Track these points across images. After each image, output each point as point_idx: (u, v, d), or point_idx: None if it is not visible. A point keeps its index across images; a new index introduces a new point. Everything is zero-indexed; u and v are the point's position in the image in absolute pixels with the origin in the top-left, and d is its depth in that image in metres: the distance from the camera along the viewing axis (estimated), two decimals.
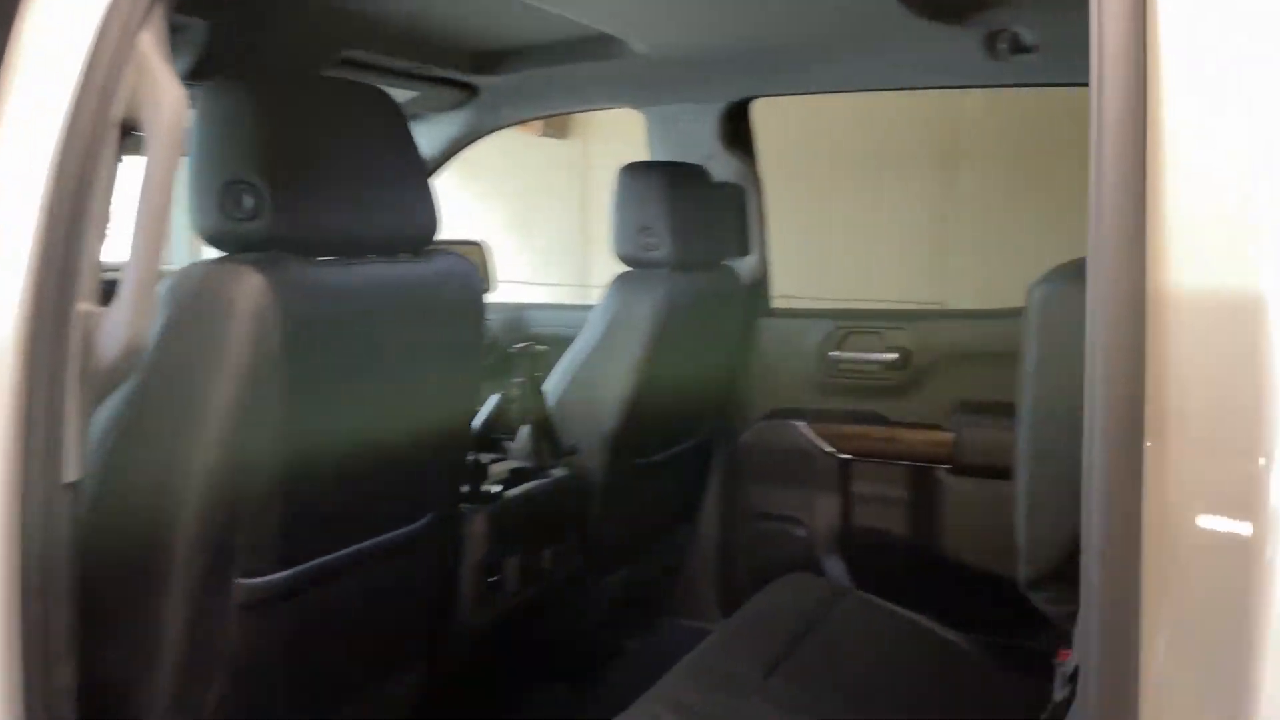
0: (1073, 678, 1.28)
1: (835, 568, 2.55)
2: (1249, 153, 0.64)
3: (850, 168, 3.82)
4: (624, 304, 2.17)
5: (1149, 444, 0.60)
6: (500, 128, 2.76)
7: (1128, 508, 0.60)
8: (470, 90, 2.56)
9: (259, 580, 1.33)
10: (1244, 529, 0.59)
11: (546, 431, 1.96)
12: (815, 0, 1.84)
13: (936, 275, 3.67)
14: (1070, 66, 2.16)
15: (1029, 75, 2.20)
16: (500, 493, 1.87)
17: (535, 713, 2.22)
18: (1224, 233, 0.64)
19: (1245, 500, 0.59)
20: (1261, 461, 0.59)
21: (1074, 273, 2.06)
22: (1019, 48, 2.04)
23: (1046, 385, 1.92)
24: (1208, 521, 0.59)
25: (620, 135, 4.43)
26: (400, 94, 2.47)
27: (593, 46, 2.24)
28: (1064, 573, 1.88)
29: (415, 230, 1.47)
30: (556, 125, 4.51)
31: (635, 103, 2.59)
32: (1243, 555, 0.60)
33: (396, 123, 1.46)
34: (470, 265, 1.57)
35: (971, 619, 2.07)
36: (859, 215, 3.80)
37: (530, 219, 4.69)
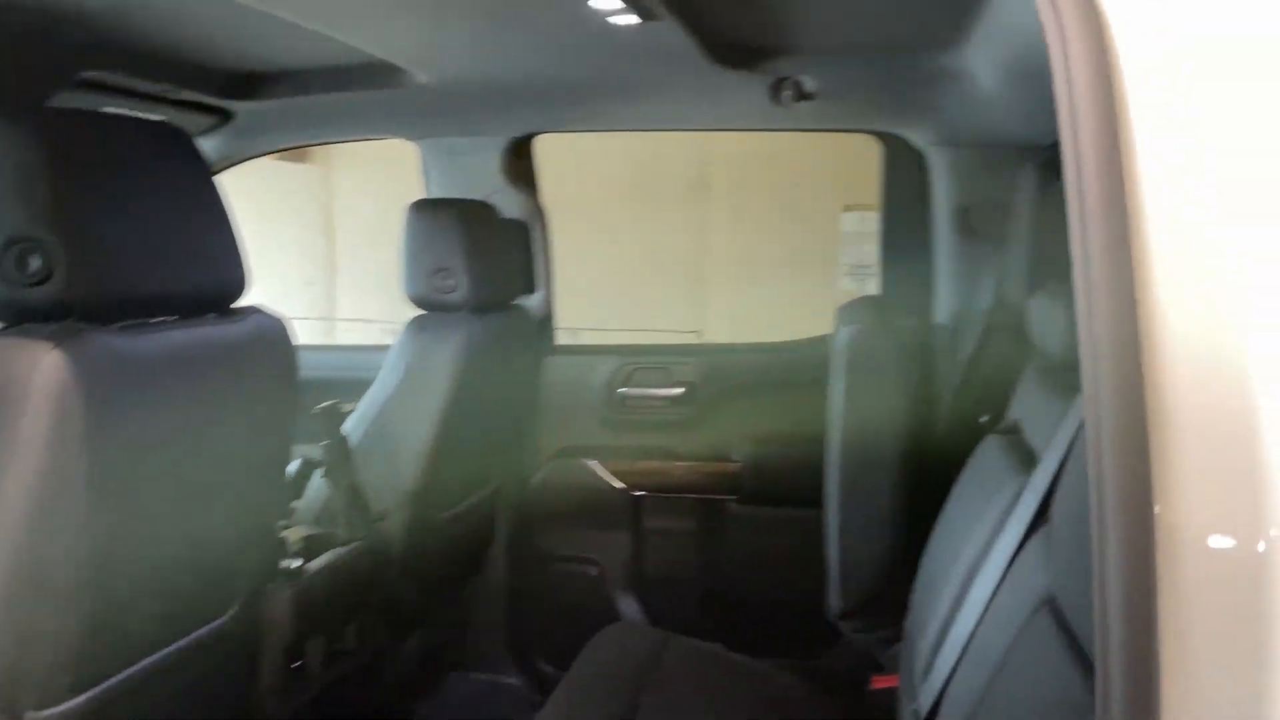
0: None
1: (629, 607, 2.54)
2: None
3: (612, 200, 3.86)
4: (422, 350, 2.04)
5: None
6: (257, 155, 2.53)
7: (1142, 524, 0.62)
8: (223, 115, 2.33)
9: (50, 712, 1.11)
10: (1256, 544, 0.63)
11: (356, 497, 1.80)
12: (605, 39, 1.82)
13: (696, 304, 3.78)
14: (843, 112, 2.28)
15: (807, 121, 2.30)
16: (301, 567, 1.70)
17: None
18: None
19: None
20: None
21: (871, 312, 2.19)
22: (801, 95, 2.12)
23: (854, 421, 2.02)
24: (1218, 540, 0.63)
25: (364, 161, 4.23)
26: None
27: (369, 74, 2.10)
28: (874, 602, 1.98)
29: (223, 286, 1.30)
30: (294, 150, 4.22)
31: (412, 134, 2.47)
32: (1255, 569, 0.63)
33: (196, 166, 1.28)
34: (281, 323, 1.41)
35: (771, 646, 2.12)
36: (622, 247, 3.84)
37: (266, 247, 4.35)
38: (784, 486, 2.42)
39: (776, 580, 2.42)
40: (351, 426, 2.02)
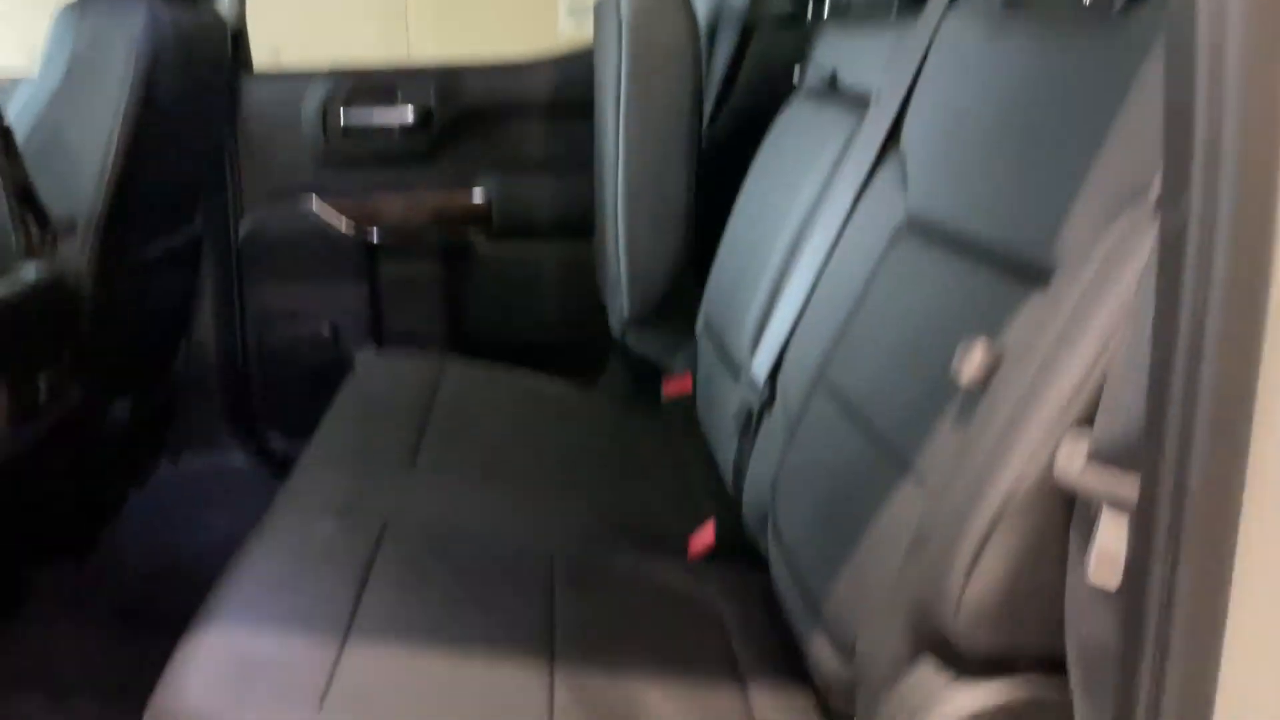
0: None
1: None
2: None
3: None
4: (92, 37, 1.59)
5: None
6: None
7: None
8: None
9: None
10: None
11: (29, 200, 1.38)
12: None
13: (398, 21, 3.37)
14: None
15: None
16: None
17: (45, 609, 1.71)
18: None
19: None
20: None
21: None
22: None
23: (636, 111, 1.82)
24: None
25: None
26: None
27: None
28: (664, 306, 1.85)
29: None
30: None
31: None
32: None
33: None
34: None
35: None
36: None
37: None
38: (540, 216, 2.22)
39: (537, 317, 2.25)
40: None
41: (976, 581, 0.68)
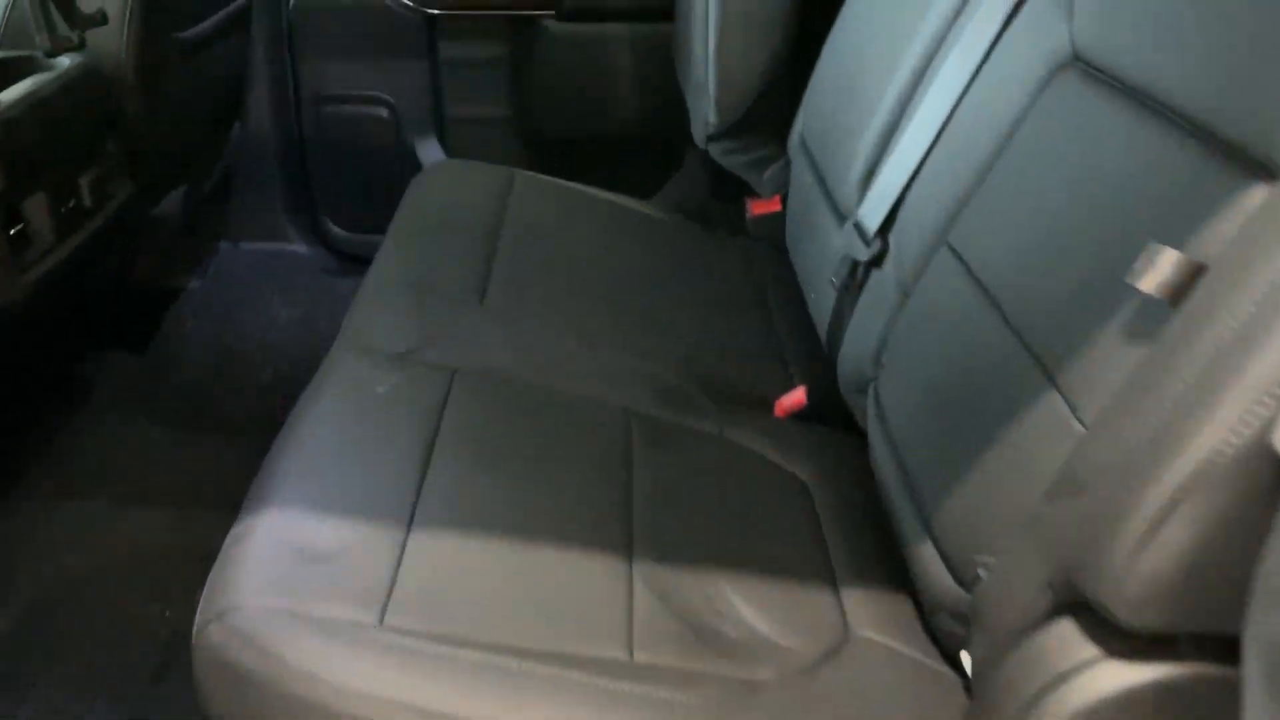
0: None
1: (432, 154, 2.14)
2: None
3: None
4: None
5: None
6: None
7: None
8: None
9: None
10: None
11: None
12: None
13: None
14: None
15: None
16: None
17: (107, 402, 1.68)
18: None
19: None
20: None
21: None
22: None
23: None
24: None
25: None
26: None
27: None
28: (753, 116, 1.68)
29: None
30: None
31: None
32: None
33: None
34: None
35: (616, 187, 1.81)
36: None
37: None
38: None
39: (610, 112, 2.07)
40: None
41: (1152, 554, 0.57)
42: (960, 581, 0.79)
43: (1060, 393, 0.73)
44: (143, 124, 1.52)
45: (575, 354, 1.16)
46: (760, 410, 1.15)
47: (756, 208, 1.57)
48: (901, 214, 1.06)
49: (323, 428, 0.97)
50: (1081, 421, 0.70)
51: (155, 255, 1.75)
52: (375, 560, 0.81)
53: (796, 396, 1.14)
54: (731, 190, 1.68)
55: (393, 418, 0.99)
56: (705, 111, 1.57)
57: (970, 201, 0.96)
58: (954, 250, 0.95)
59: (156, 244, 1.76)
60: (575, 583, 0.85)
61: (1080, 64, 0.88)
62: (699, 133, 1.63)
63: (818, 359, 1.20)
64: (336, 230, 2.21)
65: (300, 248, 2.23)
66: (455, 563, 0.83)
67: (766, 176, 1.59)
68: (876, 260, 1.07)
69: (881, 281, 1.06)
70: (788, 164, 1.52)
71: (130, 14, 1.45)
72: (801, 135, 1.44)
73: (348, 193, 2.18)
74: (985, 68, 1.00)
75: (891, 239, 1.07)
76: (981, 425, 0.79)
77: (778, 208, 1.55)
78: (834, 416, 1.13)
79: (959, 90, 1.01)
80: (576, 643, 0.79)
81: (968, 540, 0.79)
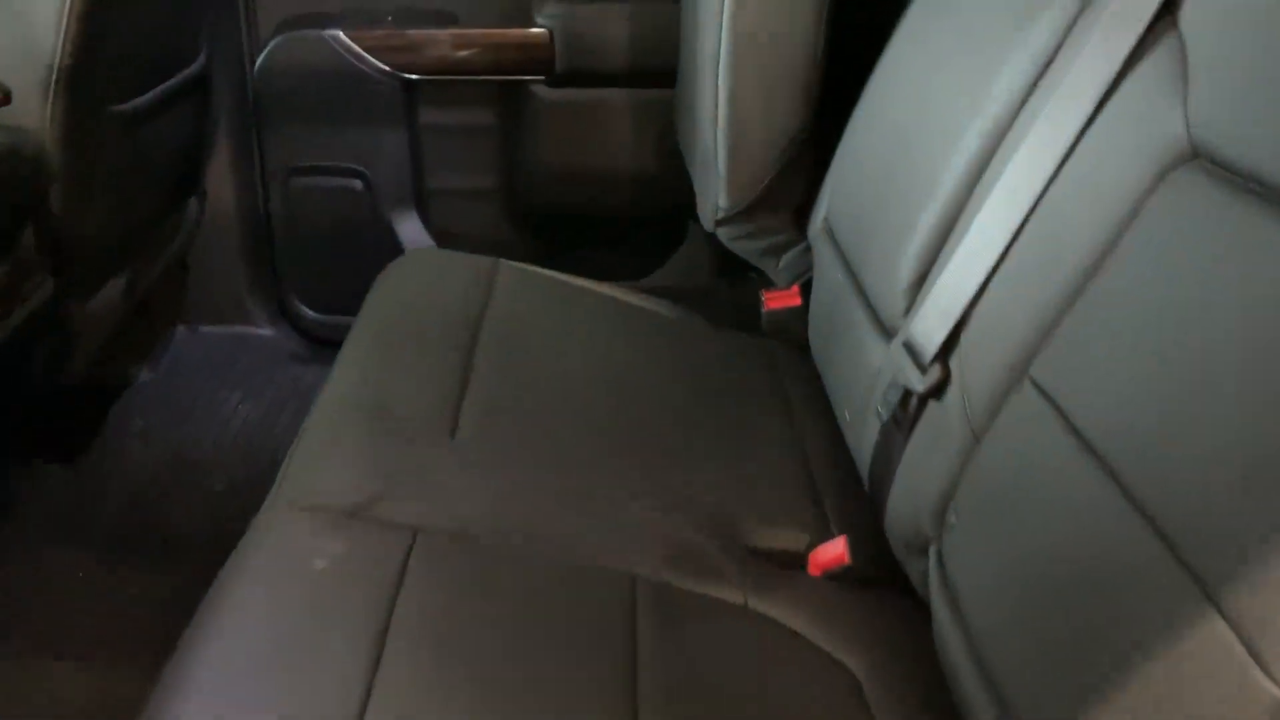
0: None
1: (413, 232, 1.95)
2: None
3: None
4: None
5: None
6: None
7: None
8: None
9: None
10: None
11: None
12: None
13: None
14: None
15: None
16: None
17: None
18: None
19: None
20: None
21: None
22: None
23: None
24: None
25: None
26: None
27: None
28: (769, 198, 1.49)
29: None
30: None
31: None
32: None
33: None
34: None
35: (613, 274, 1.61)
36: None
37: None
38: (614, 57, 1.82)
39: (606, 184, 1.89)
40: None
41: None
42: None
43: (1227, 622, 0.53)
44: (70, 210, 1.33)
45: (566, 504, 0.96)
46: (792, 568, 0.95)
47: (771, 300, 1.38)
48: (966, 335, 0.86)
49: (244, 621, 0.76)
50: (1269, 673, 0.50)
51: (98, 348, 1.55)
52: None
53: (836, 551, 0.93)
54: (740, 269, 1.49)
55: (333, 602, 0.78)
56: (714, 193, 1.38)
57: (1059, 327, 0.76)
58: (1039, 387, 0.75)
59: (98, 336, 1.56)
60: None
61: (1202, 160, 0.69)
62: (706, 216, 1.44)
63: (858, 498, 1.00)
64: (305, 311, 2.02)
65: (265, 330, 2.04)
66: None
67: (783, 265, 1.40)
68: (935, 391, 0.87)
69: (943, 417, 0.86)
70: (808, 248, 1.33)
71: (56, 86, 1.27)
72: (826, 221, 1.25)
73: (317, 271, 2.00)
74: (1072, 158, 0.80)
75: (954, 365, 0.87)
76: (1106, 642, 0.59)
77: (796, 301, 1.35)
78: (882, 576, 0.93)
79: (1039, 185, 0.82)
80: None
81: None
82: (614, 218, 1.90)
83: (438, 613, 0.80)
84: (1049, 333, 0.77)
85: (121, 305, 1.59)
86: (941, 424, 0.86)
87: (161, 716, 0.69)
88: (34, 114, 1.26)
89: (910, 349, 0.91)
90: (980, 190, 0.90)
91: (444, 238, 1.94)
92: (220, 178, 1.91)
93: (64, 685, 1.25)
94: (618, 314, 1.32)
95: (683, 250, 1.84)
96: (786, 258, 1.40)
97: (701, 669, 0.81)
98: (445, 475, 0.95)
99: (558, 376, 1.14)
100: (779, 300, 1.37)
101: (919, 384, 0.88)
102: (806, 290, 1.35)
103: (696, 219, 1.52)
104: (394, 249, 1.90)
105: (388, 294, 1.27)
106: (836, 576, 0.94)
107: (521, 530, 0.89)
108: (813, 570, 0.95)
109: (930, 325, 0.89)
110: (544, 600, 0.83)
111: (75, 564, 1.43)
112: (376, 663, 0.73)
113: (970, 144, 0.92)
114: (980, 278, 0.85)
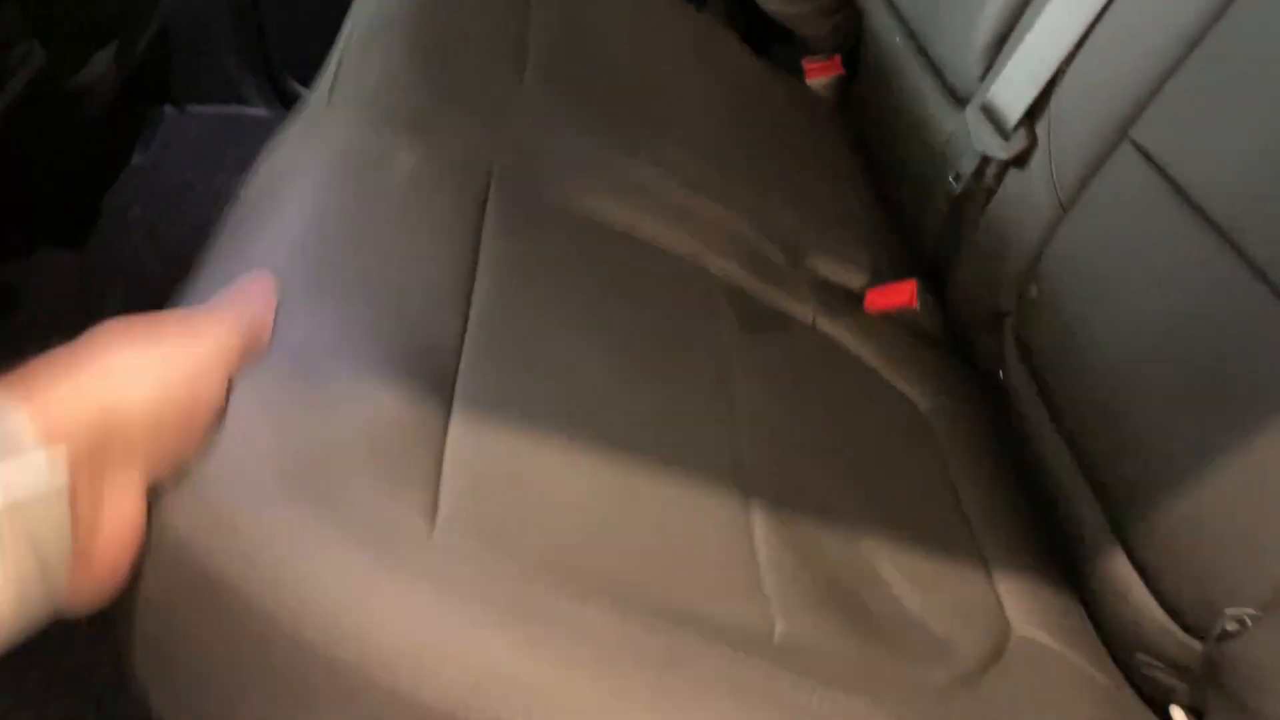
0: None
1: None
2: None
3: None
4: None
5: None
6: None
7: None
8: None
9: None
10: None
11: None
12: None
13: None
14: None
15: None
16: None
17: None
18: None
19: None
20: None
21: None
22: None
23: None
24: None
25: None
26: None
27: None
28: None
29: None
30: None
31: None
32: None
33: None
34: None
35: None
36: None
37: None
38: None
39: None
40: None
41: None
42: (1186, 626, 0.60)
43: None
44: None
45: (643, 180, 0.84)
46: (849, 301, 0.89)
47: (813, 71, 1.30)
48: (1056, 98, 0.81)
49: (317, 209, 0.65)
50: None
51: (83, 133, 1.46)
52: (414, 425, 0.52)
53: (903, 295, 0.88)
54: (778, 35, 1.39)
55: (418, 210, 0.68)
56: None
57: (1163, 91, 0.71)
58: (1142, 150, 0.71)
59: (83, 119, 1.46)
60: (683, 507, 0.58)
61: None
62: None
63: (909, 264, 0.95)
64: (300, 89, 1.91)
65: (258, 110, 1.93)
66: (516, 453, 0.55)
67: (826, 31, 1.31)
68: (1019, 159, 0.83)
69: (1026, 187, 0.82)
70: (855, 12, 1.24)
71: None
72: None
73: (313, 44, 1.86)
74: None
75: (1040, 130, 0.82)
76: (1240, 418, 0.57)
77: (840, 71, 1.28)
78: (942, 337, 0.90)
79: None
80: (703, 597, 0.53)
81: (1206, 575, 0.58)
82: None
83: (526, 261, 0.70)
84: (1152, 96, 0.72)
85: (111, 79, 1.49)
86: (1024, 194, 0.82)
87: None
88: None
89: (990, 114, 0.85)
90: None
91: None
92: None
93: None
94: (671, 19, 1.17)
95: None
96: (830, 22, 1.31)
97: (787, 388, 0.75)
98: (517, 112, 0.84)
99: (618, 66, 0.98)
100: (821, 70, 1.29)
101: (1002, 151, 0.83)
102: (849, 60, 1.27)
103: None
104: None
105: None
106: (895, 322, 0.90)
107: (598, 196, 0.79)
108: (868, 306, 0.90)
109: (1014, 88, 0.83)
110: (635, 277, 0.75)
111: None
112: (470, 288, 0.63)
113: None
114: (1075, 34, 0.79)
